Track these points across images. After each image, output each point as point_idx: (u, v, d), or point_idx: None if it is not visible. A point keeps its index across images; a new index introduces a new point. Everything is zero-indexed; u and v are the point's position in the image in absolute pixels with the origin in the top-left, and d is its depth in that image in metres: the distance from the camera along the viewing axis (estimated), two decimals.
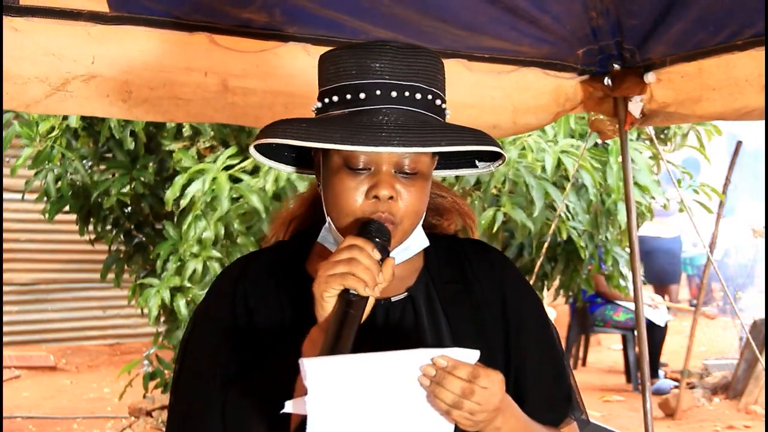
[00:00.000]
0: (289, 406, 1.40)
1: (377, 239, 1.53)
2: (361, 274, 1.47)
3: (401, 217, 1.58)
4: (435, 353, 1.40)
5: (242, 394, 1.56)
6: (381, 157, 1.56)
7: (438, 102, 1.60)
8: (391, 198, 1.56)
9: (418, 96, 1.57)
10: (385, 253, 1.54)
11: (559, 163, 4.86)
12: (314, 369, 1.36)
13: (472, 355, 1.41)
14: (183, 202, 4.59)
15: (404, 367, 1.41)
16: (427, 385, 1.40)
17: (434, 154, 1.65)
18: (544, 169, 4.84)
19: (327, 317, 1.48)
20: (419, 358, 1.40)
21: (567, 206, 5.04)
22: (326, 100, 1.60)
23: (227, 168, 4.64)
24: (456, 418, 1.41)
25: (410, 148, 1.50)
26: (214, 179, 4.53)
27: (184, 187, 4.61)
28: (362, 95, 1.56)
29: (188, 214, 4.67)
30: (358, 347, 1.45)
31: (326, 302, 1.49)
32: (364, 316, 1.52)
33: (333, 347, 1.42)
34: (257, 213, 4.59)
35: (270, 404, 1.47)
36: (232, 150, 4.68)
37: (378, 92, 1.56)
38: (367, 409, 1.40)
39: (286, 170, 1.75)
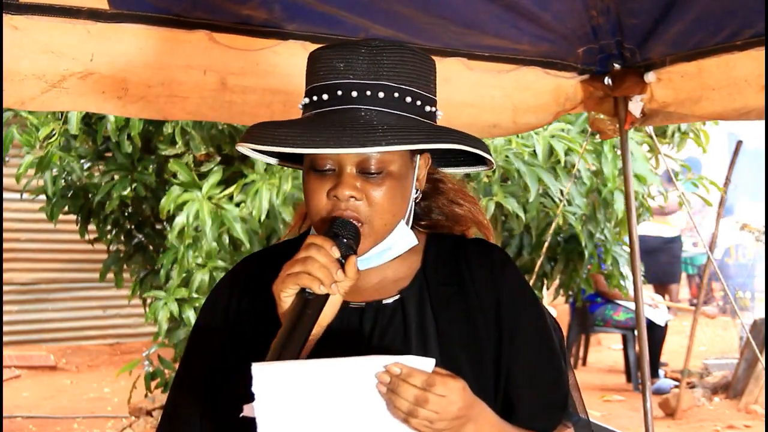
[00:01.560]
0: (247, 410, 1.40)
1: (341, 237, 1.52)
2: (315, 272, 1.47)
3: (368, 217, 1.57)
4: (389, 360, 1.38)
5: (218, 405, 1.56)
6: (343, 158, 1.55)
7: (409, 99, 1.58)
8: (353, 198, 1.55)
9: (381, 94, 1.55)
10: (350, 250, 1.52)
11: (551, 151, 4.85)
12: (261, 374, 1.35)
13: (427, 363, 1.39)
14: (171, 236, 4.66)
15: (359, 374, 1.39)
16: (384, 393, 1.39)
17: (419, 152, 1.64)
18: (534, 154, 4.83)
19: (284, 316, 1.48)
20: (374, 365, 1.38)
21: (561, 191, 5.02)
22: (303, 102, 1.62)
23: (211, 197, 4.68)
24: (415, 426, 1.40)
25: (344, 150, 1.50)
26: (197, 211, 4.58)
27: (177, 200, 4.66)
28: (325, 96, 1.57)
29: (180, 245, 4.72)
30: (347, 349, 1.44)
31: (284, 302, 1.49)
32: (330, 318, 1.52)
33: (283, 346, 1.41)
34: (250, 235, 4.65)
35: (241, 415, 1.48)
36: (216, 177, 4.70)
37: (339, 92, 1.55)
38: (321, 415, 1.37)
39: (272, 162, 1.75)
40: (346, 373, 1.38)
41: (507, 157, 4.82)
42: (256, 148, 1.61)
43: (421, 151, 1.65)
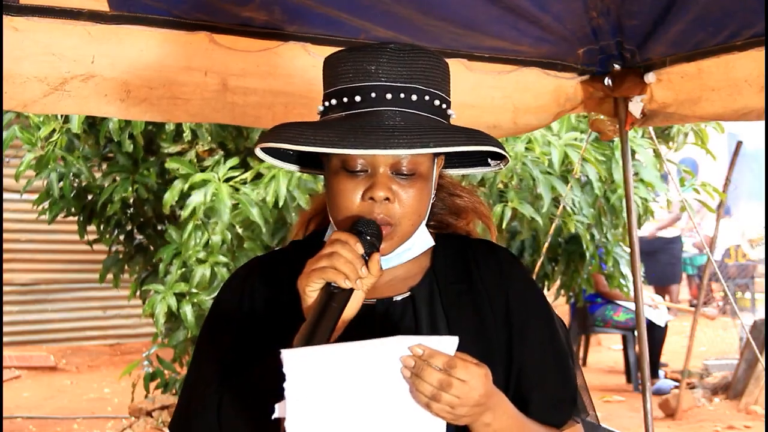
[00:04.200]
0: (277, 409, 1.41)
1: (364, 234, 1.54)
2: (341, 267, 1.49)
3: (399, 219, 1.59)
4: (412, 341, 1.40)
5: (237, 393, 1.57)
6: (377, 159, 1.57)
7: (437, 102, 1.61)
8: (387, 199, 1.57)
9: (414, 97, 1.58)
10: (373, 248, 1.54)
11: (564, 157, 4.86)
12: (292, 359, 1.37)
13: (450, 343, 1.41)
14: (184, 213, 4.60)
15: (384, 356, 1.41)
16: (408, 377, 1.40)
17: (436, 154, 1.66)
18: (550, 163, 4.84)
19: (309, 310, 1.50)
20: (397, 346, 1.40)
21: (572, 200, 5.03)
22: (327, 104, 1.63)
23: (228, 179, 4.65)
24: (436, 411, 1.42)
25: (395, 150, 1.51)
26: (215, 191, 4.54)
27: (182, 192, 4.62)
28: (358, 98, 1.58)
29: (188, 223, 4.68)
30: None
31: (308, 297, 1.51)
32: (353, 313, 1.53)
33: (309, 338, 1.43)
34: (257, 224, 4.62)
35: (261, 402, 1.49)
36: (233, 161, 4.69)
37: (373, 95, 1.57)
38: (349, 398, 1.39)
39: (291, 169, 1.77)
40: (371, 355, 1.40)
41: (524, 163, 4.84)
42: (279, 147, 1.60)
43: (439, 153, 1.68)
